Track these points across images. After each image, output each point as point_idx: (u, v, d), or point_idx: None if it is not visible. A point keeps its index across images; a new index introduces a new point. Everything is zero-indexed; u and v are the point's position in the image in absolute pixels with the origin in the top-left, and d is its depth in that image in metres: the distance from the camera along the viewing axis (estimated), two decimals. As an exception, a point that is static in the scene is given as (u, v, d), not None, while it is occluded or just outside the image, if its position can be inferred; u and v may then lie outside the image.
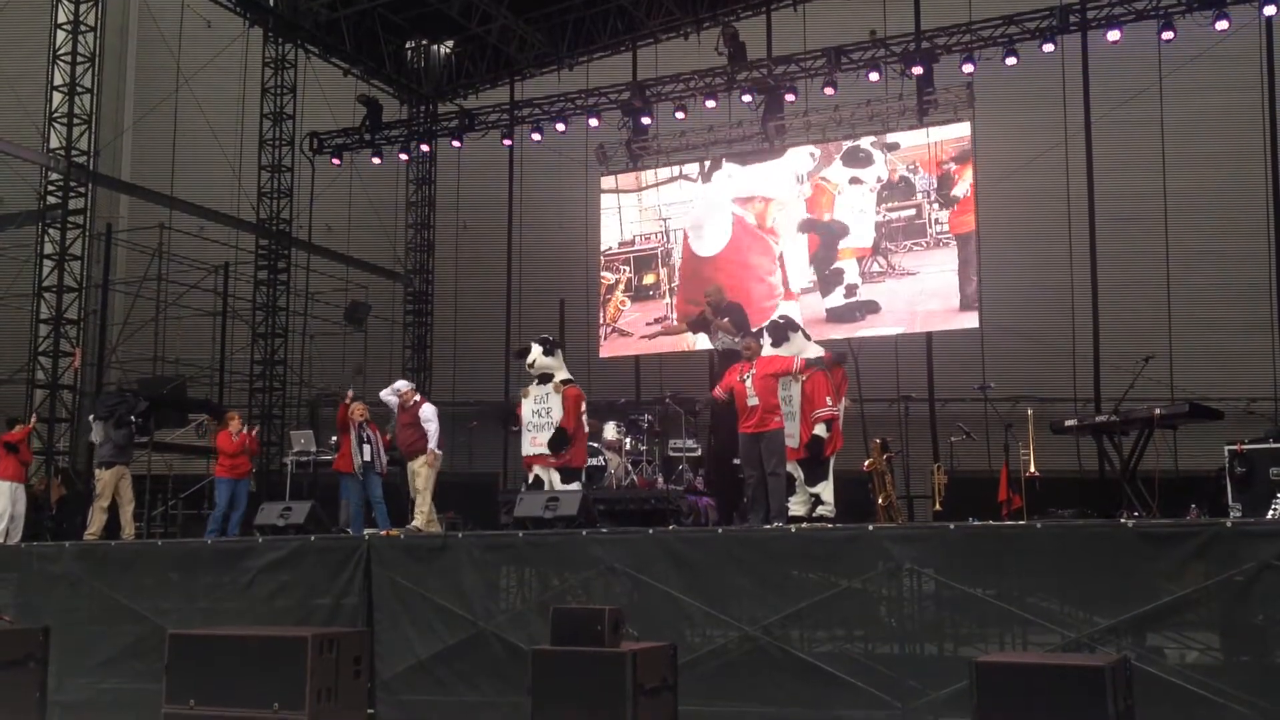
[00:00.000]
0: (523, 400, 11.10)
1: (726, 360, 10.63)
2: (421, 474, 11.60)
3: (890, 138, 18.06)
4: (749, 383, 9.69)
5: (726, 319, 10.73)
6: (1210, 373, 19.02)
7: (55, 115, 18.05)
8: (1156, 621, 7.42)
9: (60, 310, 17.76)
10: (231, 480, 13.26)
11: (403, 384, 12.30)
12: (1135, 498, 9.66)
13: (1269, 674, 7.02)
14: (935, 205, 17.46)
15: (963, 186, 17.30)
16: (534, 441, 10.84)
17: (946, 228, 17.35)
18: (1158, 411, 9.83)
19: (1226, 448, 9.25)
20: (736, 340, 10.67)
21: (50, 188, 18.15)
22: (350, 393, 12.66)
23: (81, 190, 18.30)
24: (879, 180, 17.95)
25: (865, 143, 18.18)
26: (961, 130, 17.56)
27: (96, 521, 12.74)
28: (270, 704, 7.34)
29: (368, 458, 12.11)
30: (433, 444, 11.68)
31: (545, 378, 10.91)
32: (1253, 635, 7.21)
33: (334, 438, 15.81)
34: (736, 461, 10.67)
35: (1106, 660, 5.97)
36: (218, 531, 12.98)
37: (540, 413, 10.83)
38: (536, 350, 10.94)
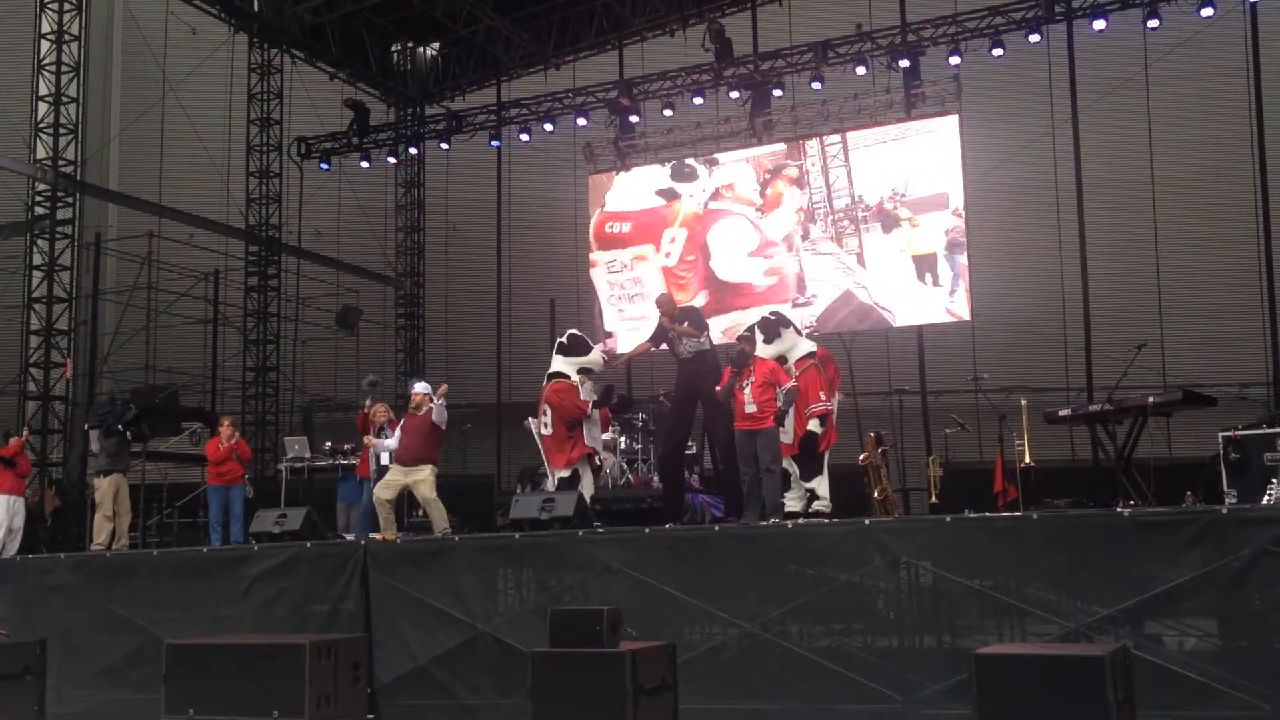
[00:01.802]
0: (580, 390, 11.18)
1: (697, 364, 10.61)
2: (425, 480, 10.81)
3: (718, 155, 19.40)
4: (748, 392, 9.73)
5: (686, 323, 10.75)
6: (1202, 359, 19.07)
7: (41, 125, 17.99)
8: (1154, 609, 7.43)
9: (50, 321, 17.70)
10: (221, 488, 13.21)
11: (420, 386, 11.33)
12: (1131, 486, 9.66)
13: (1267, 659, 7.04)
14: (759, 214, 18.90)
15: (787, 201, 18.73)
16: (588, 435, 10.91)
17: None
18: (1151, 399, 9.85)
19: (1221, 434, 9.26)
20: (702, 340, 10.68)
21: (38, 198, 18.09)
22: (369, 401, 12.56)
23: (69, 200, 18.25)
24: (703, 192, 19.40)
25: (691, 160, 19.48)
26: (776, 148, 18.93)
27: (103, 531, 12.65)
28: (270, 711, 7.34)
29: (385, 461, 11.94)
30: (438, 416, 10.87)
31: (588, 371, 11.11)
32: (1250, 621, 7.23)
33: (328, 443, 15.89)
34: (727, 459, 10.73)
35: (1106, 650, 5.98)
36: (220, 539, 12.96)
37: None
38: (600, 351, 11.36)
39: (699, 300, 18.30)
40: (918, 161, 17.89)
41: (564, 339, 11.34)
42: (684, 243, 19.40)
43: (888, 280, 17.94)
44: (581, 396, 10.96)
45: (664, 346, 11.41)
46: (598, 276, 19.96)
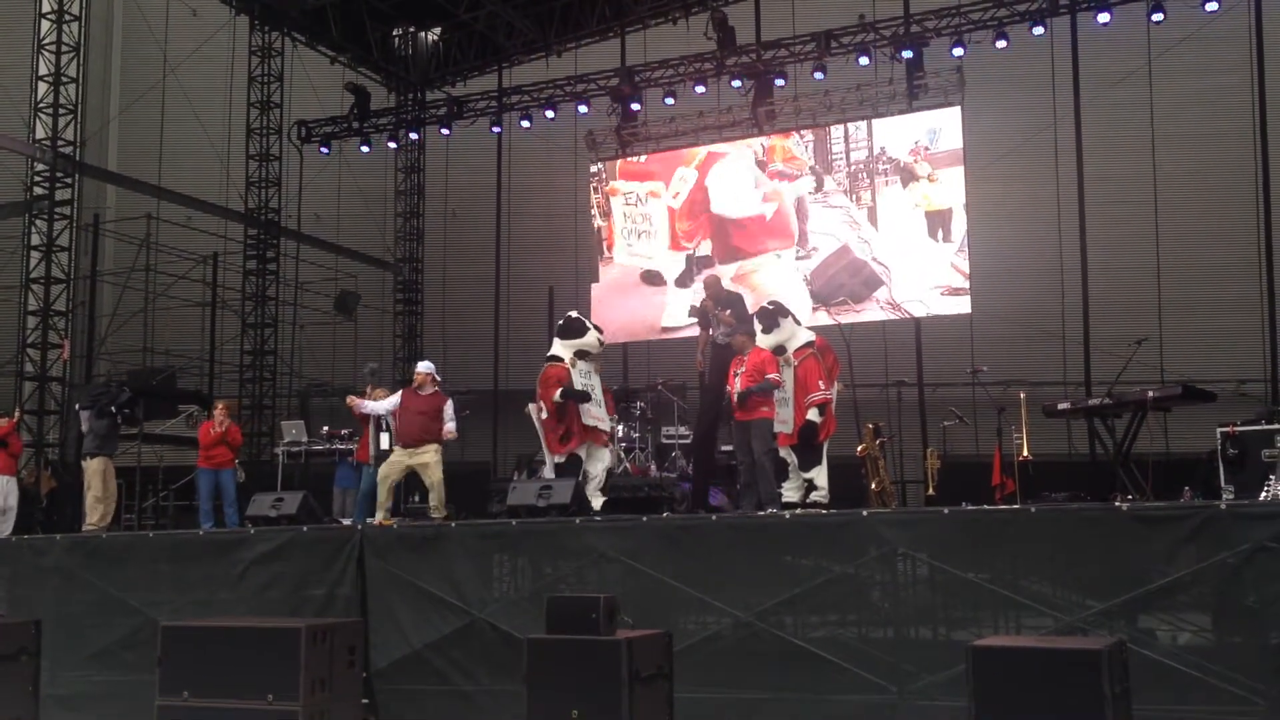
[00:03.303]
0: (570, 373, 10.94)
1: (724, 352, 10.60)
2: (432, 462, 10.93)
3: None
4: (739, 382, 9.84)
5: (728, 311, 10.69)
6: (1201, 354, 19.07)
7: (41, 105, 17.93)
8: (1149, 604, 7.43)
9: (48, 302, 17.66)
10: (211, 471, 13.19)
11: (424, 365, 11.48)
12: (1128, 480, 9.67)
13: (1262, 655, 7.03)
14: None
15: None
16: (588, 414, 10.75)
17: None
18: (1151, 394, 9.85)
19: (1219, 430, 9.30)
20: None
21: (36, 178, 18.04)
22: (369, 387, 12.54)
23: (68, 181, 18.19)
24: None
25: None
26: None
27: (95, 512, 12.65)
28: (264, 695, 7.31)
29: (385, 446, 11.92)
30: (451, 426, 11.07)
31: (584, 354, 10.81)
32: (1246, 617, 7.22)
33: (325, 428, 15.88)
34: (727, 448, 10.69)
35: (1103, 643, 5.97)
36: (212, 522, 12.95)
37: (588, 388, 10.79)
38: (596, 331, 10.89)
39: (704, 249, 18.66)
40: (944, 117, 17.87)
41: (561, 321, 11.19)
42: (692, 184, 19.35)
43: (896, 237, 17.82)
44: (574, 379, 10.80)
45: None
46: (616, 206, 19.88)
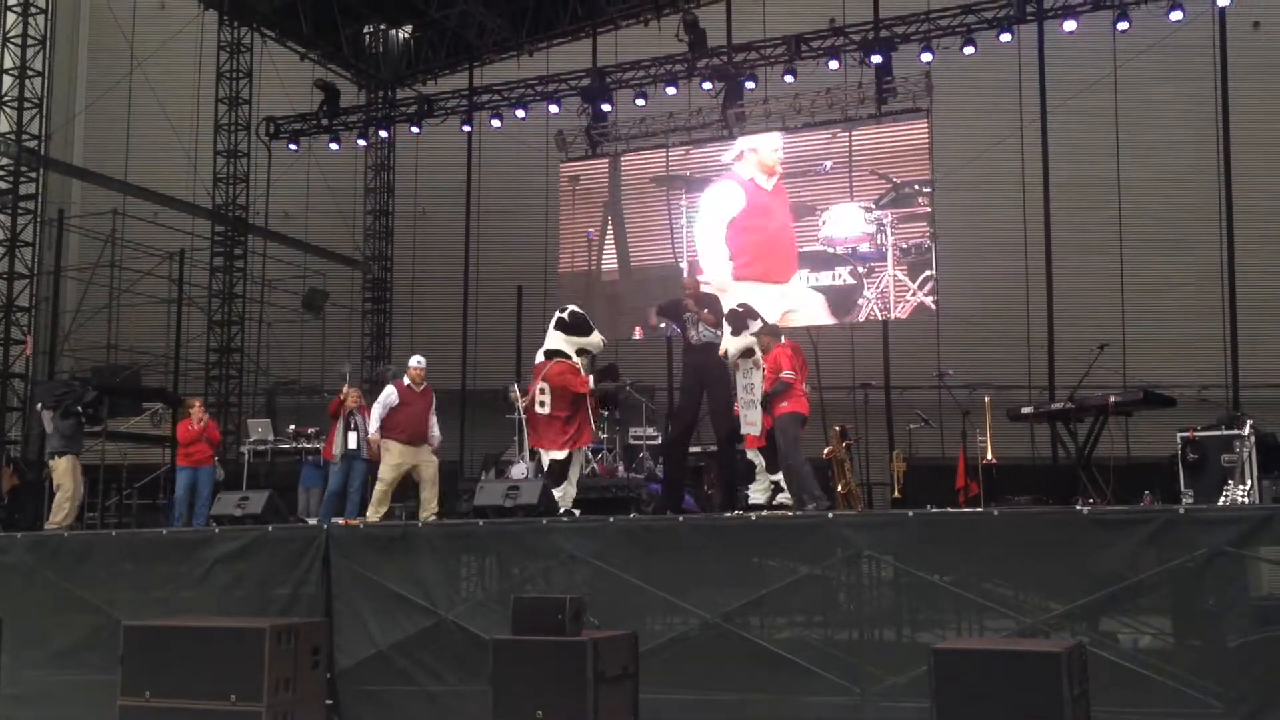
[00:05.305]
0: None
1: (706, 353, 10.55)
2: (433, 462, 11.17)
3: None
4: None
5: (706, 310, 10.69)
6: (1163, 360, 19.28)
7: (5, 99, 17.73)
8: (1110, 607, 7.53)
9: (11, 297, 17.47)
10: (189, 469, 13.13)
11: (418, 360, 11.47)
12: (1090, 484, 9.78)
13: (1220, 658, 7.14)
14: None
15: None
16: (596, 416, 10.71)
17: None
18: (1112, 399, 9.97)
19: (1179, 435, 9.40)
20: (718, 333, 10.60)
21: (0, 172, 17.84)
22: (345, 386, 12.51)
23: (33, 175, 18.00)
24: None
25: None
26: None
27: (61, 511, 12.52)
28: (227, 695, 7.30)
29: (353, 445, 11.90)
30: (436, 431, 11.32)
31: (584, 352, 10.57)
32: (1204, 620, 7.34)
33: (291, 427, 15.81)
34: (696, 449, 10.66)
35: (1062, 646, 6.05)
36: (181, 519, 12.87)
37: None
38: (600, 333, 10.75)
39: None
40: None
41: (565, 315, 10.59)
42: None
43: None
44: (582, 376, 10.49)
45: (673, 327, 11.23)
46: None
